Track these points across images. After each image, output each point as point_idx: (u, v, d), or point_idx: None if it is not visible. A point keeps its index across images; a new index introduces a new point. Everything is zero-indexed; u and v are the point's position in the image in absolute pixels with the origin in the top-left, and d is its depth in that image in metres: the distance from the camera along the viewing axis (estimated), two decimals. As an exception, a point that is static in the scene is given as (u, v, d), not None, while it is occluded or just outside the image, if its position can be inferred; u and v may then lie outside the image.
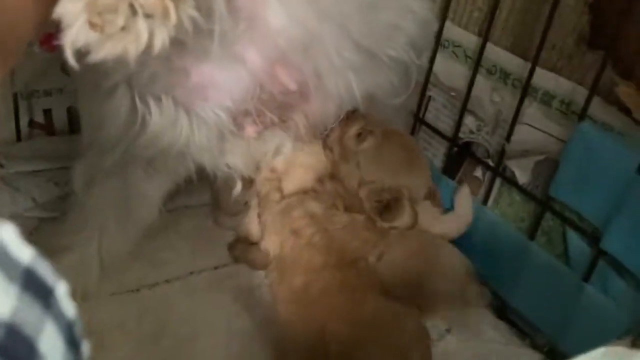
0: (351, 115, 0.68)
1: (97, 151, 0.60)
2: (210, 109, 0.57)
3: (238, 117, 0.60)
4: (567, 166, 0.63)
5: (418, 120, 0.82)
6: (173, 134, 0.57)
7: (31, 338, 0.22)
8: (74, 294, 0.58)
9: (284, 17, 0.55)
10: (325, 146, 0.69)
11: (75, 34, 0.36)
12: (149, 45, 0.38)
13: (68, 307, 0.25)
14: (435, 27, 0.75)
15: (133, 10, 0.37)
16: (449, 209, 0.76)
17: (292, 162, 0.69)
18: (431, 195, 0.70)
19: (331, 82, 0.61)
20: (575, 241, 0.65)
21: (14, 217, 0.71)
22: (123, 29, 0.37)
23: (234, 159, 0.65)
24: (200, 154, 0.61)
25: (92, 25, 0.36)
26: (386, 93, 0.69)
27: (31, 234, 0.70)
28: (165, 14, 0.38)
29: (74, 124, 0.86)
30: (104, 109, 0.56)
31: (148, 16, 0.38)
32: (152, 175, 0.64)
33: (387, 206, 0.64)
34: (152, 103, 0.55)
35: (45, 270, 0.24)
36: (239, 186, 0.68)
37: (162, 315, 0.65)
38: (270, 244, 0.66)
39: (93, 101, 0.59)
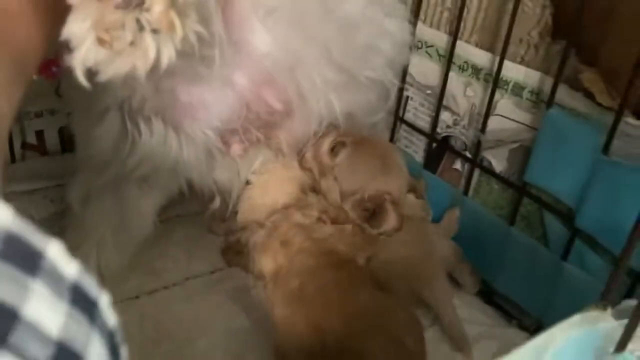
0: (324, 131, 0.70)
1: (92, 169, 0.62)
2: (198, 128, 0.60)
3: (225, 136, 0.63)
4: (539, 152, 0.66)
5: (398, 120, 0.85)
6: (163, 152, 0.59)
7: (80, 353, 0.22)
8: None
9: (270, 41, 0.58)
10: (303, 167, 0.71)
11: (85, 54, 0.37)
12: (157, 61, 0.39)
13: (110, 317, 0.25)
14: (408, 50, 0.79)
15: (140, 26, 0.38)
16: (436, 221, 0.79)
17: (269, 176, 0.71)
18: (413, 189, 0.73)
19: (314, 101, 0.65)
20: (553, 223, 0.68)
21: (13, 235, 0.74)
22: (131, 44, 0.37)
23: (221, 175, 0.68)
24: (190, 171, 0.63)
25: (101, 42, 0.37)
26: (365, 111, 0.73)
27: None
28: (171, 28, 0.38)
29: (65, 144, 0.89)
30: (96, 130, 0.58)
31: (154, 31, 0.38)
32: (146, 190, 0.66)
33: (373, 214, 0.66)
34: (142, 124, 0.57)
35: (89, 283, 0.24)
36: (217, 201, 0.71)
37: (162, 320, 0.68)
38: (265, 265, 0.66)
39: (85, 123, 0.61)
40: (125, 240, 0.67)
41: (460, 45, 0.75)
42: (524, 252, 0.71)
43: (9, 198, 0.73)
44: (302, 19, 0.62)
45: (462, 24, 0.74)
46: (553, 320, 0.67)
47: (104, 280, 0.65)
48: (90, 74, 0.38)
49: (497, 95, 0.71)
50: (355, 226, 0.66)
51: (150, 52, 0.38)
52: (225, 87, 0.60)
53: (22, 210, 0.70)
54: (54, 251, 0.23)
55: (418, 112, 0.84)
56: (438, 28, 0.79)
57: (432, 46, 0.80)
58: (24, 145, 0.87)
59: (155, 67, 0.39)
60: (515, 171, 0.72)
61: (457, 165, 0.79)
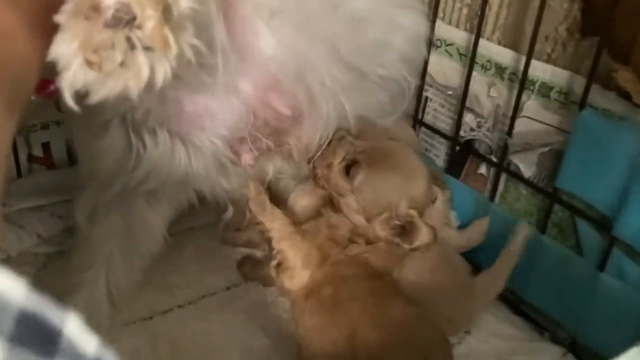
0: (333, 144, 0.66)
1: (96, 184, 0.60)
2: (206, 138, 0.57)
3: (234, 145, 0.60)
4: (571, 156, 0.62)
5: (417, 122, 0.81)
6: (171, 164, 0.57)
7: None
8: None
9: (275, 44, 0.55)
10: (317, 185, 0.68)
11: (73, 76, 0.35)
12: (151, 79, 0.37)
13: None
14: (424, 45, 0.74)
15: (131, 44, 0.36)
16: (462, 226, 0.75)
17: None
18: (435, 178, 0.70)
19: (323, 104, 0.61)
20: (587, 231, 0.64)
21: (21, 256, 0.71)
22: (122, 64, 0.36)
23: (234, 185, 0.65)
24: (199, 182, 0.60)
25: (89, 64, 0.35)
26: (378, 113, 0.69)
27: (39, 271, 0.70)
28: (165, 45, 0.36)
29: (73, 156, 0.86)
30: (98, 145, 0.56)
31: (147, 49, 0.36)
32: (154, 204, 0.63)
33: (404, 230, 0.62)
34: (146, 137, 0.55)
35: (110, 358, 0.23)
36: (230, 212, 0.68)
37: (176, 340, 0.65)
38: (297, 278, 0.62)
39: (87, 137, 0.59)
40: (135, 258, 0.65)
41: (482, 44, 0.71)
42: (557, 261, 0.67)
43: (15, 216, 0.71)
44: (307, 18, 0.58)
45: (483, 21, 0.70)
46: (589, 333, 0.65)
47: (113, 301, 0.63)
48: (81, 94, 0.36)
49: (524, 96, 0.67)
50: (387, 242, 0.63)
51: (143, 71, 0.36)
52: (230, 95, 0.57)
53: (30, 228, 0.67)
54: (72, 327, 0.22)
55: (438, 113, 0.80)
56: (457, 25, 0.75)
57: (451, 44, 0.76)
58: (30, 158, 0.84)
59: (150, 86, 0.37)
60: (545, 176, 0.68)
61: (482, 170, 0.75)
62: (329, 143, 0.66)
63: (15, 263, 0.69)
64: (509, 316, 0.72)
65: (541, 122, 0.68)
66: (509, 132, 0.69)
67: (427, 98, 0.80)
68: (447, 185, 0.74)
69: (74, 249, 0.64)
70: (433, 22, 0.75)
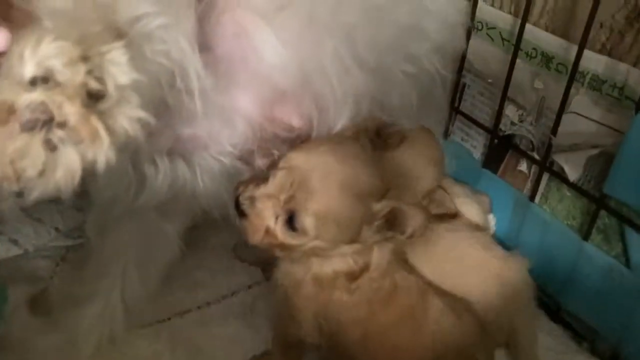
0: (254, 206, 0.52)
1: (104, 204, 0.57)
2: (210, 157, 0.54)
3: (244, 157, 0.56)
4: (623, 161, 0.57)
5: (453, 110, 0.76)
6: (175, 187, 0.53)
7: None
8: (101, 338, 0.56)
9: (281, 49, 0.50)
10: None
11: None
12: (90, 169, 0.34)
13: None
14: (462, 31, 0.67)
15: (51, 146, 0.33)
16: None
17: None
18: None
19: (337, 109, 0.55)
20: (636, 241, 0.59)
21: (38, 250, 0.70)
22: (41, 173, 0.33)
23: None
24: (211, 196, 0.57)
25: (6, 179, 0.32)
26: (403, 112, 0.62)
27: (58, 265, 0.68)
28: (94, 137, 0.34)
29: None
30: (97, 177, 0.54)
31: (77, 142, 0.33)
32: (167, 213, 0.60)
33: (388, 222, 0.53)
34: (146, 166, 0.52)
35: None
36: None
37: (196, 344, 0.63)
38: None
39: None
40: (150, 268, 0.62)
41: (528, 29, 0.65)
42: (600, 271, 0.62)
43: (33, 208, 0.68)
44: (316, 12, 0.52)
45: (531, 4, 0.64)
46: (631, 347, 0.60)
47: (128, 310, 0.61)
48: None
49: (572, 89, 0.61)
50: (389, 245, 0.56)
51: (73, 167, 0.34)
52: (230, 115, 0.53)
53: (48, 221, 0.65)
54: None
55: (477, 101, 0.74)
56: (501, 7, 0.68)
57: (494, 28, 0.69)
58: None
59: (91, 175, 0.35)
60: (591, 178, 0.63)
61: (523, 166, 0.70)
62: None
63: (32, 258, 0.68)
64: (546, 323, 0.68)
65: (591, 119, 0.62)
66: (554, 129, 0.63)
67: (465, 84, 0.75)
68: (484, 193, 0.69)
69: (87, 259, 0.62)
70: (474, 3, 0.69)
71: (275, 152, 0.55)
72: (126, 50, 0.35)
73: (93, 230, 0.60)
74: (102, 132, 0.34)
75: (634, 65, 0.57)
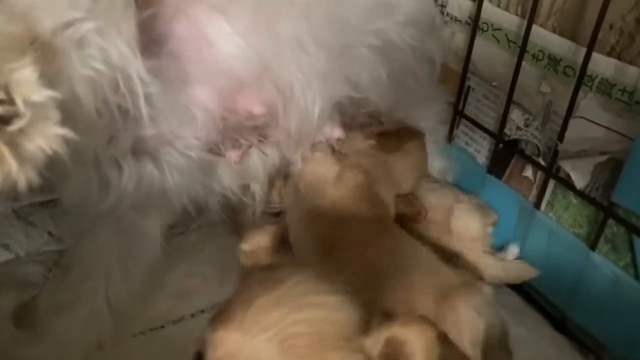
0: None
1: (77, 209, 0.56)
2: (176, 152, 0.53)
3: (212, 149, 0.56)
4: (633, 168, 0.55)
5: (457, 113, 0.74)
6: (141, 187, 0.53)
7: None
8: (89, 346, 0.54)
9: (232, 40, 0.50)
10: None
11: None
12: (7, 192, 0.33)
13: None
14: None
15: None
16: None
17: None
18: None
19: (299, 94, 0.55)
20: (646, 251, 0.57)
21: (30, 255, 0.68)
22: None
23: (226, 182, 0.61)
24: (185, 191, 0.56)
25: None
26: (375, 91, 0.61)
27: (50, 270, 0.67)
28: (2, 163, 0.32)
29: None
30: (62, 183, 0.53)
31: None
32: (147, 211, 0.59)
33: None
34: (108, 170, 0.51)
35: None
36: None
37: (190, 350, 0.61)
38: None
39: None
40: (133, 268, 0.61)
41: (535, 31, 0.63)
42: (606, 282, 0.60)
43: (25, 211, 0.67)
44: None
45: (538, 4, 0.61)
46: (639, 361, 0.58)
47: (116, 311, 0.59)
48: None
49: (580, 93, 0.59)
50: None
51: None
52: (190, 109, 0.52)
53: (41, 225, 0.64)
54: None
55: (481, 105, 0.72)
56: (507, 8, 0.66)
57: (499, 29, 0.67)
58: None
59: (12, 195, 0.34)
60: (599, 186, 0.61)
61: (528, 172, 0.68)
62: None
63: (24, 263, 0.66)
64: (550, 333, 0.66)
65: (599, 124, 0.59)
66: (561, 134, 0.61)
67: (469, 87, 0.72)
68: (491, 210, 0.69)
69: (69, 267, 0.61)
70: (479, 4, 0.67)
71: (243, 142, 0.55)
72: (36, 66, 0.34)
73: (70, 235, 0.59)
74: (9, 158, 0.33)
75: (645, 68, 0.55)
